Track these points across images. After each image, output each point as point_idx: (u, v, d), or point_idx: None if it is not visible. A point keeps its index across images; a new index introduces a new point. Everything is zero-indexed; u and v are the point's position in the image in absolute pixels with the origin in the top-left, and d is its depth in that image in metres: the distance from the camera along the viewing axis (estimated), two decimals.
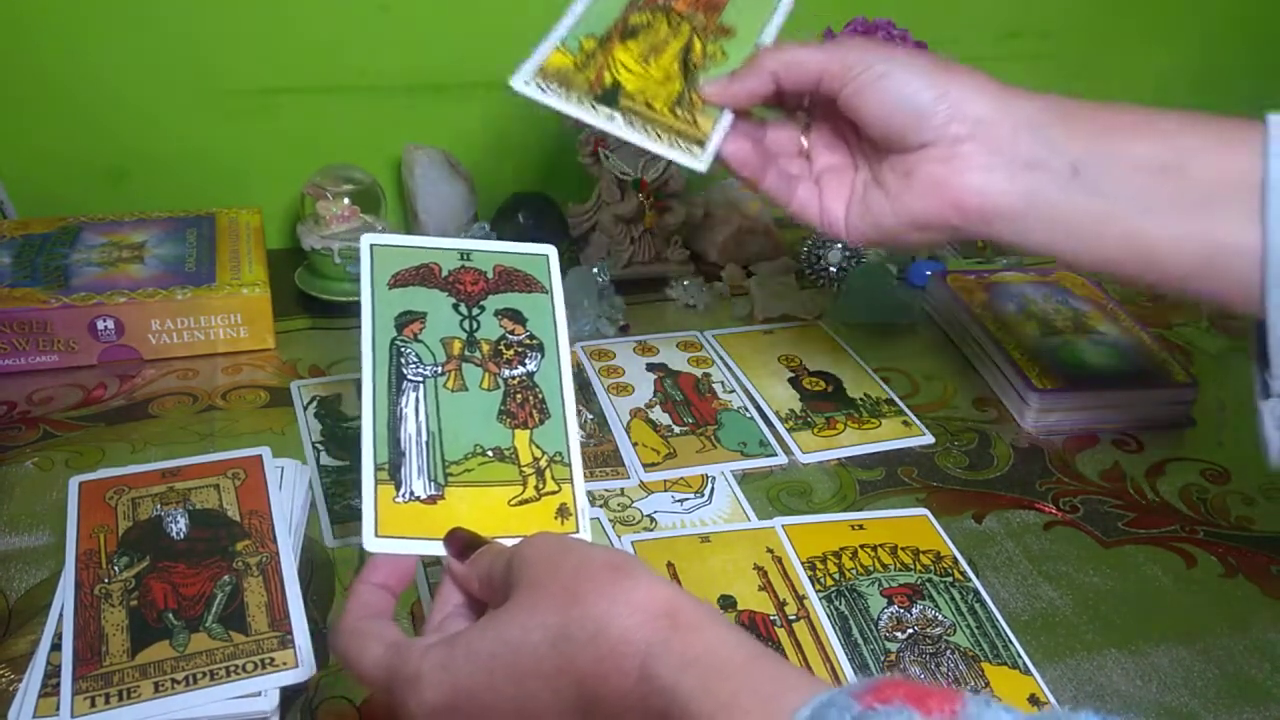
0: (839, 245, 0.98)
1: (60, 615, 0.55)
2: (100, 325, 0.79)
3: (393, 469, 0.52)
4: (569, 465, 0.55)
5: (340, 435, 0.74)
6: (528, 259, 0.62)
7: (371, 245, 0.59)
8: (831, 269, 0.99)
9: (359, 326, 0.56)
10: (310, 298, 0.89)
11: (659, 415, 0.78)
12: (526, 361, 0.58)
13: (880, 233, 0.59)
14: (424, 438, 0.53)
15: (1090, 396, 0.80)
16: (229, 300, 0.81)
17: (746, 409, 0.80)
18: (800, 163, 0.63)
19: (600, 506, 0.69)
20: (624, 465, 0.73)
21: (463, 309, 0.59)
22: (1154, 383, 0.81)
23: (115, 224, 0.89)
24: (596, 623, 0.38)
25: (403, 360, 0.56)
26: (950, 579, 0.64)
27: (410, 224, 0.98)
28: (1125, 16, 1.17)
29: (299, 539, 0.64)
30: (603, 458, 0.73)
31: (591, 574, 0.40)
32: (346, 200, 0.88)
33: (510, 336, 0.59)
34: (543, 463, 0.54)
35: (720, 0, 0.62)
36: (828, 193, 0.61)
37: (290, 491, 0.66)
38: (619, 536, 0.66)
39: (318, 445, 0.73)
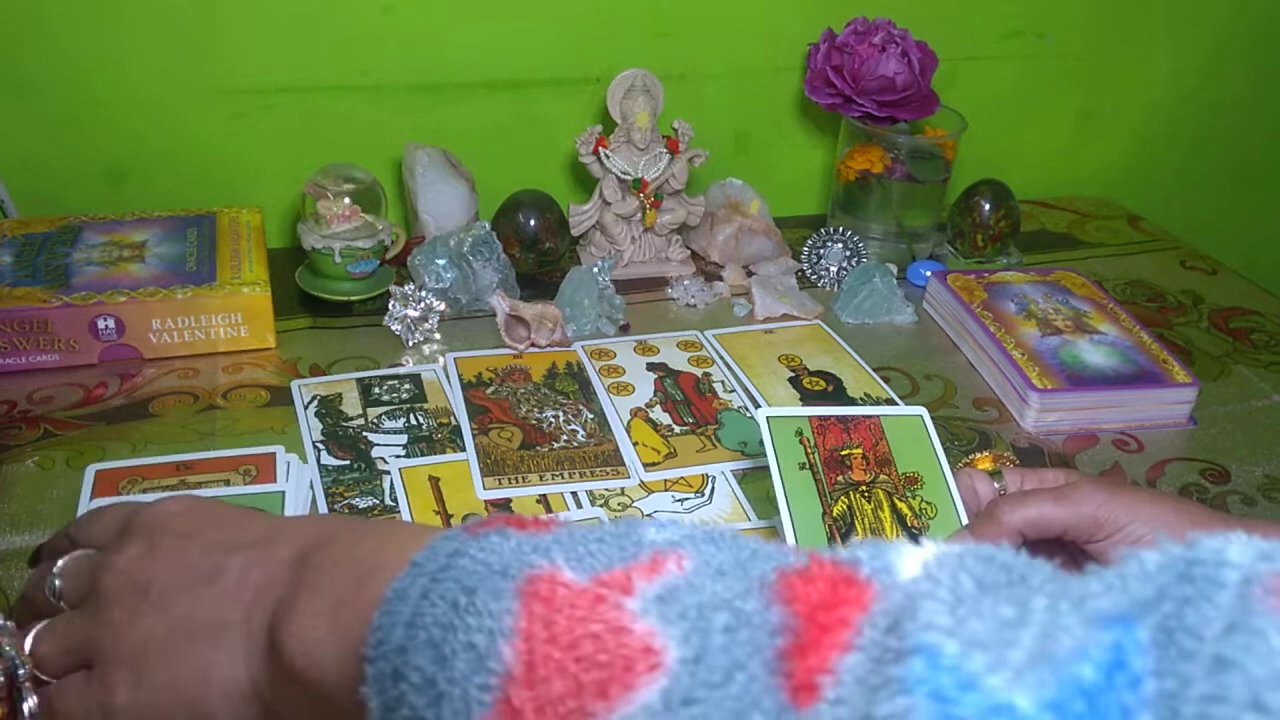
0: (839, 245, 0.98)
1: None
2: (101, 324, 0.79)
3: None
4: None
5: (341, 435, 0.74)
6: None
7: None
8: (831, 269, 0.99)
9: None
10: (311, 297, 0.89)
11: (659, 415, 0.78)
12: None
13: None
14: None
15: (1090, 396, 0.80)
16: (230, 299, 0.81)
17: (747, 408, 0.80)
18: None
19: (600, 506, 0.69)
20: (624, 465, 0.73)
21: None
22: (1154, 382, 0.81)
23: (116, 223, 0.89)
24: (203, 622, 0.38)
25: None
26: None
27: (411, 223, 0.98)
28: (1125, 17, 1.17)
29: None
30: (603, 457, 0.73)
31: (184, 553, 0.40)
32: (347, 200, 0.88)
33: None
34: None
35: (884, 449, 0.63)
36: None
37: (293, 489, 0.66)
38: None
39: (318, 444, 0.73)
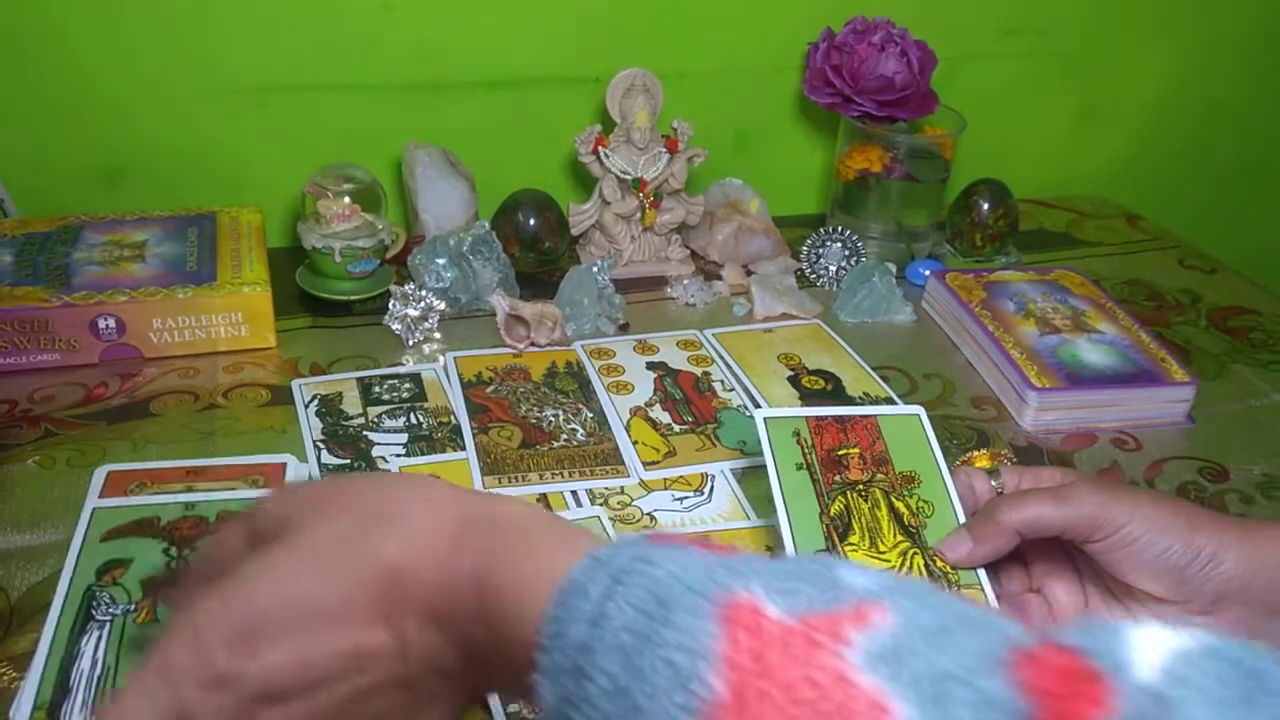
0: (839, 244, 0.98)
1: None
2: (101, 324, 0.79)
3: (53, 708, 0.49)
4: None
5: (341, 434, 0.74)
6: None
7: (94, 509, 0.62)
8: (830, 268, 0.99)
9: (60, 577, 0.57)
10: (311, 296, 0.89)
11: (659, 414, 0.78)
12: None
13: None
14: (98, 672, 0.51)
15: (1089, 395, 0.80)
16: (230, 299, 0.81)
17: (746, 408, 0.80)
18: (1020, 574, 0.61)
19: (600, 505, 0.69)
20: (624, 464, 0.73)
21: (172, 551, 0.59)
22: (1152, 381, 0.82)
23: (116, 223, 0.89)
24: (401, 510, 0.37)
25: (94, 604, 0.56)
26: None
27: (411, 222, 0.98)
28: (1124, 15, 1.17)
29: None
30: (603, 456, 0.73)
31: (374, 484, 0.40)
32: (347, 199, 0.88)
33: None
34: None
35: (881, 448, 0.63)
36: (1058, 608, 0.59)
37: None
38: (618, 535, 0.66)
39: (319, 444, 0.73)
